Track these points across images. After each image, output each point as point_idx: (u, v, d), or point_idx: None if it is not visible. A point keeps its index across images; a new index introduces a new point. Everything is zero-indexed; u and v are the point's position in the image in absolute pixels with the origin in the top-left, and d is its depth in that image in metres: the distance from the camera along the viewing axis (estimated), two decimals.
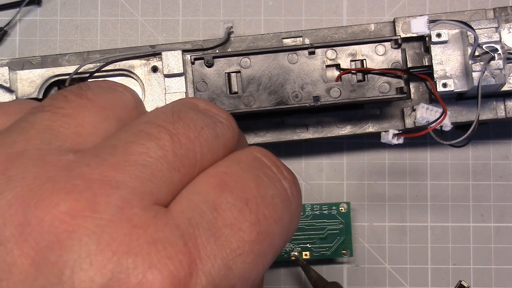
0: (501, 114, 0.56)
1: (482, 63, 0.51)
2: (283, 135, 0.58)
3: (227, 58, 0.54)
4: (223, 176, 0.28)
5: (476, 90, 0.51)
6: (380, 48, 0.54)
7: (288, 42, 0.58)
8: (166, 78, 0.55)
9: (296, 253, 0.59)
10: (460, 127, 0.55)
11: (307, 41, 0.57)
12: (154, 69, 0.56)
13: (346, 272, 0.61)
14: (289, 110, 0.54)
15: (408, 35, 0.56)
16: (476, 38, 0.50)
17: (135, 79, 0.56)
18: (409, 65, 0.56)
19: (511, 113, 0.55)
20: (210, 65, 0.53)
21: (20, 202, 0.24)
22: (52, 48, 0.63)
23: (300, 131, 0.58)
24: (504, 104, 0.56)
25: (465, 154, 0.61)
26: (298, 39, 0.58)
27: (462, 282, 0.60)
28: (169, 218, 0.26)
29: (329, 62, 0.54)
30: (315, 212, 0.59)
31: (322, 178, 0.61)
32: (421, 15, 0.49)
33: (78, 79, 0.56)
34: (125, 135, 0.28)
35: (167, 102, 0.54)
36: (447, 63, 0.53)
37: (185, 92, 0.55)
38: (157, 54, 0.56)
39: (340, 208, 0.59)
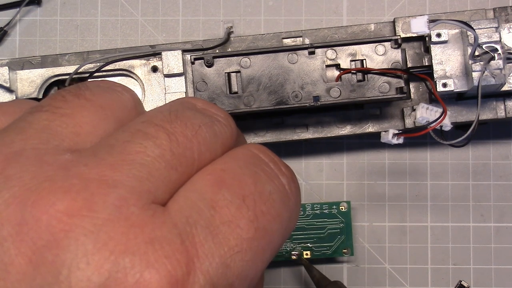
0: (501, 114, 0.55)
1: (482, 63, 0.51)
2: (283, 135, 0.58)
3: (227, 58, 0.53)
4: (220, 173, 0.28)
5: (476, 90, 0.51)
6: (380, 48, 0.54)
7: (288, 42, 0.58)
8: (166, 78, 0.55)
9: (297, 252, 0.59)
10: (460, 127, 0.55)
11: (307, 41, 0.57)
12: (154, 69, 0.56)
13: (346, 272, 0.61)
14: (289, 110, 0.54)
15: (408, 35, 0.56)
16: (476, 38, 0.50)
17: (135, 79, 0.56)
18: (409, 65, 0.56)
19: (511, 113, 0.55)
20: (210, 65, 0.53)
21: (17, 202, 0.24)
22: (52, 48, 0.63)
23: (300, 131, 0.58)
24: (504, 104, 0.56)
25: (465, 154, 0.61)
26: (298, 39, 0.58)
27: (462, 282, 0.60)
28: (167, 217, 0.26)
29: (329, 62, 0.53)
30: (316, 212, 0.59)
31: (322, 178, 0.61)
32: (421, 15, 0.48)
33: (78, 79, 0.56)
34: (123, 135, 0.28)
35: (167, 102, 0.54)
36: (447, 63, 0.53)
37: (185, 92, 0.55)
38: (157, 54, 0.56)
39: (340, 207, 0.59)
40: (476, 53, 0.51)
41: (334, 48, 0.54)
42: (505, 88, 0.53)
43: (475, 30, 0.49)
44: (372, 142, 0.61)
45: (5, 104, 0.32)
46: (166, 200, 0.27)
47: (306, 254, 0.59)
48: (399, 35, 0.55)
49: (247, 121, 0.57)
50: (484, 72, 0.51)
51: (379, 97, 0.53)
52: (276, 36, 0.58)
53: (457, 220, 0.61)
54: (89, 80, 0.56)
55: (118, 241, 0.24)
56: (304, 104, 0.53)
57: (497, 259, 0.60)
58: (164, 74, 0.55)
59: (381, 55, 0.53)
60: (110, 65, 0.56)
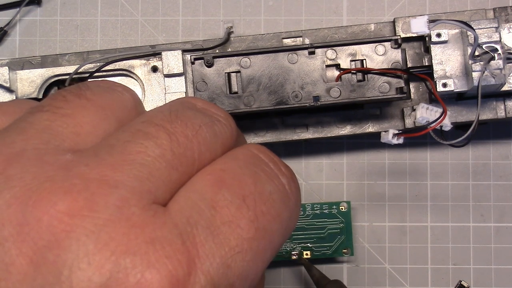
0: (501, 114, 0.56)
1: (482, 63, 0.51)
2: (283, 135, 0.58)
3: (227, 58, 0.54)
4: (220, 173, 0.28)
5: (476, 90, 0.51)
6: (380, 48, 0.54)
7: (288, 42, 0.58)
8: (166, 78, 0.55)
9: (297, 252, 0.59)
10: (460, 127, 0.55)
11: (307, 41, 0.57)
12: (154, 69, 0.56)
13: (346, 272, 0.61)
14: (289, 110, 0.54)
15: (408, 35, 0.56)
16: (476, 38, 0.50)
17: (135, 79, 0.56)
18: (409, 65, 0.56)
19: (511, 113, 0.55)
20: (210, 65, 0.53)
21: (18, 202, 0.24)
22: (52, 48, 0.63)
23: (300, 131, 0.58)
24: (504, 104, 0.56)
25: (465, 154, 0.61)
26: (298, 39, 0.58)
27: (462, 282, 0.60)
28: (168, 217, 0.26)
29: (329, 62, 0.54)
30: (316, 212, 0.59)
31: (322, 178, 0.61)
32: (421, 15, 0.48)
33: (78, 79, 0.56)
34: (123, 135, 0.28)
35: (167, 102, 0.54)
36: (447, 63, 0.53)
37: (185, 92, 0.55)
38: (157, 54, 0.56)
39: (340, 207, 0.59)
40: (476, 53, 0.51)
41: (334, 48, 0.54)
42: (505, 88, 0.53)
43: (475, 30, 0.49)
44: (372, 142, 0.61)
45: (5, 104, 0.32)
46: (167, 200, 0.27)
47: (306, 254, 0.59)
48: (399, 35, 0.55)
49: (247, 121, 0.57)
50: (484, 72, 0.51)
51: (379, 97, 0.53)
52: (276, 36, 0.58)
53: (457, 220, 0.61)
54: (89, 80, 0.56)
55: (119, 241, 0.24)
56: (304, 104, 0.53)
57: (497, 259, 0.60)
58: (164, 74, 0.55)
59: (381, 55, 0.53)
60: (110, 65, 0.56)
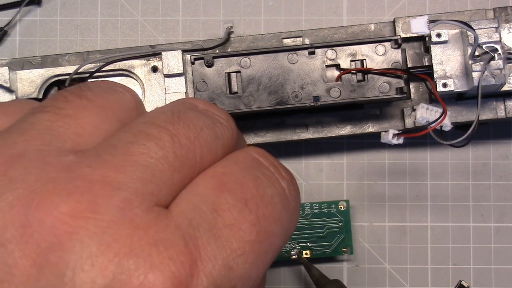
0: (501, 114, 0.56)
1: (482, 63, 0.51)
2: (283, 135, 0.58)
3: (227, 58, 0.54)
4: (222, 177, 0.28)
5: (476, 90, 0.51)
6: (380, 48, 0.54)
7: (288, 42, 0.58)
8: (166, 78, 0.55)
9: (297, 252, 0.59)
10: (460, 127, 0.55)
11: (307, 41, 0.57)
12: (154, 69, 0.56)
13: (346, 272, 0.61)
14: (289, 110, 0.54)
15: (408, 35, 0.56)
16: (476, 38, 0.50)
17: (135, 79, 0.56)
18: (409, 65, 0.56)
19: (511, 113, 0.55)
20: (210, 65, 0.53)
21: (21, 204, 0.24)
22: (52, 48, 0.62)
23: (300, 131, 0.58)
24: (504, 104, 0.56)
25: (465, 154, 0.61)
26: (298, 39, 0.58)
27: (462, 282, 0.60)
28: (170, 219, 0.26)
29: (329, 62, 0.54)
30: (315, 211, 0.59)
31: (322, 178, 0.62)
32: (421, 15, 0.49)
33: (78, 79, 0.56)
34: (125, 135, 0.28)
35: (167, 102, 0.54)
36: (447, 63, 0.53)
37: (185, 92, 0.55)
38: (157, 54, 0.56)
39: (339, 206, 0.59)
40: (476, 53, 0.51)
41: (334, 48, 0.54)
42: (505, 88, 0.53)
43: (475, 30, 0.49)
44: (372, 142, 0.61)
45: (5, 104, 0.32)
46: (169, 202, 0.27)
47: (306, 254, 0.59)
48: (399, 35, 0.55)
49: (247, 121, 0.57)
50: (484, 72, 0.51)
51: (379, 97, 0.53)
52: (276, 36, 0.58)
53: (457, 220, 0.61)
54: (89, 80, 0.56)
55: (123, 243, 0.24)
56: (304, 104, 0.53)
57: (497, 259, 0.60)
58: (164, 74, 0.55)
59: (381, 55, 0.53)
60: (110, 65, 0.56)
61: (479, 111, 0.51)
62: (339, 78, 0.53)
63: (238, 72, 0.53)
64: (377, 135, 0.52)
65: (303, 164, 0.62)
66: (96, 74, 0.56)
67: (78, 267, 0.23)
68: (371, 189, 0.61)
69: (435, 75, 0.53)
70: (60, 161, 0.26)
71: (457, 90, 0.53)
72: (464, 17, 0.56)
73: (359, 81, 0.53)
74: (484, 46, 0.51)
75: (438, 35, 0.53)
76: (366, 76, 0.53)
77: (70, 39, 0.63)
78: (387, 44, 0.54)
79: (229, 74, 0.53)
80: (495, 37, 0.52)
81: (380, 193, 0.61)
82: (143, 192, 0.26)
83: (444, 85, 0.52)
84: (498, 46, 0.51)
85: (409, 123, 0.57)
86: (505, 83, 0.53)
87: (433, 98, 0.56)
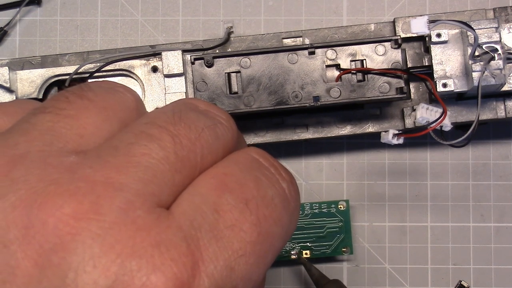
0: (501, 114, 0.56)
1: (482, 63, 0.51)
2: (283, 135, 0.58)
3: (227, 58, 0.54)
4: (223, 177, 0.28)
5: (476, 90, 0.51)
6: (380, 48, 0.54)
7: (288, 42, 0.58)
8: (166, 78, 0.55)
9: (297, 251, 0.59)
10: (460, 127, 0.55)
11: (307, 41, 0.57)
12: (154, 69, 0.56)
13: (346, 272, 0.61)
14: (289, 110, 0.54)
15: (408, 35, 0.56)
16: (476, 38, 0.50)
17: (135, 79, 0.56)
18: (409, 65, 0.56)
19: (511, 113, 0.56)
20: (210, 65, 0.53)
21: (23, 205, 0.24)
22: (52, 48, 0.62)
23: (300, 131, 0.58)
24: (504, 104, 0.56)
25: (465, 154, 0.61)
26: (298, 39, 0.58)
27: (462, 282, 0.60)
28: (172, 220, 0.26)
29: (329, 62, 0.54)
30: (314, 211, 0.59)
31: (322, 178, 0.62)
32: (421, 15, 0.49)
33: (78, 79, 0.56)
34: (126, 136, 0.28)
35: (167, 102, 0.54)
36: (447, 63, 0.53)
37: (185, 92, 0.55)
38: (157, 54, 0.56)
39: (339, 206, 0.59)
40: (476, 53, 0.51)
41: (334, 48, 0.54)
42: (505, 88, 0.53)
43: (475, 30, 0.49)
44: (372, 142, 0.61)
45: (6, 104, 0.32)
46: (170, 203, 0.27)
47: (306, 254, 0.59)
48: (399, 35, 0.55)
49: (247, 121, 0.57)
50: (484, 72, 0.51)
51: (379, 97, 0.53)
52: (276, 36, 0.58)
53: (457, 220, 0.61)
54: (89, 80, 0.56)
55: (125, 244, 0.24)
56: (304, 104, 0.53)
57: (497, 259, 0.60)
58: (164, 74, 0.55)
59: (381, 55, 0.53)
60: (110, 65, 0.56)
61: (479, 111, 0.51)
62: (339, 78, 0.53)
63: (238, 72, 0.53)
64: (377, 135, 0.52)
65: (303, 164, 0.62)
66: (96, 74, 0.56)
67: (80, 268, 0.23)
68: (371, 189, 0.61)
69: (435, 75, 0.53)
70: (62, 162, 0.26)
71: (457, 90, 0.53)
72: (464, 17, 0.56)
73: (359, 81, 0.53)
74: (484, 46, 0.51)
75: (438, 35, 0.53)
76: (366, 76, 0.53)
77: (70, 39, 0.63)
78: (387, 44, 0.54)
79: (229, 74, 0.53)
80: (495, 37, 0.52)
81: (380, 193, 0.61)
82: (145, 193, 0.26)
83: (444, 85, 0.53)
84: (498, 46, 0.51)
85: (409, 123, 0.57)
86: (505, 83, 0.53)
87: (433, 98, 0.56)
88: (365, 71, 0.53)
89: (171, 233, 0.25)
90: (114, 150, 0.27)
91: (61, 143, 0.27)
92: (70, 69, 0.56)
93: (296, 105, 0.53)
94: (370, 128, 0.57)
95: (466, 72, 0.53)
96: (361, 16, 0.62)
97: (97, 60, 0.56)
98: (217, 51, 0.57)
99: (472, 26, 0.49)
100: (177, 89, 0.55)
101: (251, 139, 0.57)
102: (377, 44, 0.54)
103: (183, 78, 0.55)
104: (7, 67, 0.55)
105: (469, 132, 0.50)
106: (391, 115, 0.57)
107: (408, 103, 0.57)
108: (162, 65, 0.55)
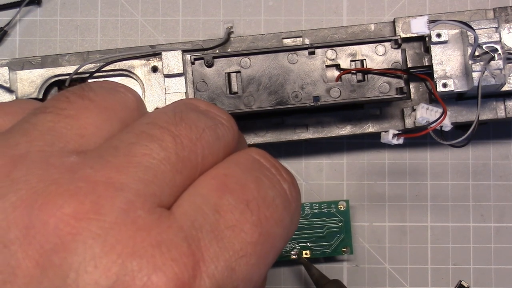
0: (501, 114, 0.56)
1: (482, 63, 0.51)
2: (283, 135, 0.58)
3: (227, 58, 0.53)
4: (224, 178, 0.29)
5: (476, 90, 0.51)
6: (380, 48, 0.54)
7: (288, 42, 0.58)
8: (166, 78, 0.55)
9: (297, 251, 0.59)
10: (460, 127, 0.55)
11: (307, 41, 0.57)
12: (154, 69, 0.56)
13: (346, 272, 0.61)
14: (289, 110, 0.54)
15: (408, 35, 0.56)
16: (476, 38, 0.50)
17: (135, 79, 0.56)
18: (409, 65, 0.56)
19: (511, 113, 0.56)
20: (210, 65, 0.53)
21: (24, 205, 0.24)
22: (52, 48, 0.62)
23: (300, 131, 0.58)
24: (504, 104, 0.56)
25: (465, 154, 0.61)
26: (298, 39, 0.58)
27: (462, 282, 0.60)
28: (172, 220, 0.26)
29: (329, 62, 0.54)
30: (314, 211, 0.59)
31: (322, 178, 0.62)
32: (421, 15, 0.49)
33: (78, 79, 0.56)
34: (127, 136, 0.28)
35: (167, 102, 0.54)
36: (447, 63, 0.53)
37: (185, 92, 0.55)
38: (157, 54, 0.56)
39: (339, 206, 0.59)
40: (476, 53, 0.51)
41: (334, 48, 0.54)
42: (505, 88, 0.53)
43: (475, 30, 0.49)
44: (372, 142, 0.61)
45: (6, 104, 0.32)
46: (171, 203, 0.27)
47: (306, 254, 0.59)
48: (399, 35, 0.55)
49: (247, 121, 0.57)
50: (484, 72, 0.51)
51: (379, 97, 0.53)
52: (276, 36, 0.58)
53: (457, 220, 0.61)
54: (89, 80, 0.56)
55: (126, 244, 0.24)
56: (304, 104, 0.53)
57: (497, 259, 0.60)
58: (164, 74, 0.55)
59: (381, 55, 0.53)
60: (110, 65, 0.56)
61: (479, 111, 0.51)
62: (339, 78, 0.53)
63: (238, 72, 0.53)
64: (377, 135, 0.52)
65: (303, 164, 0.62)
66: (96, 74, 0.56)
67: (81, 269, 0.23)
68: (371, 189, 0.61)
69: (435, 75, 0.53)
70: (62, 162, 0.26)
71: (457, 90, 0.53)
72: (464, 17, 0.56)
73: (359, 81, 0.53)
74: (484, 46, 0.51)
75: (438, 35, 0.53)
76: (366, 76, 0.53)
77: (70, 39, 0.63)
78: (387, 44, 0.54)
79: (229, 74, 0.53)
80: (495, 37, 0.52)
81: (380, 193, 0.61)
82: (146, 193, 0.26)
83: (444, 85, 0.53)
84: (498, 46, 0.51)
85: (409, 123, 0.57)
86: (505, 83, 0.53)
87: (433, 98, 0.56)
88: (365, 71, 0.53)
89: (172, 233, 0.25)
90: (115, 150, 0.27)
91: (61, 143, 0.27)
92: (70, 69, 0.56)
93: (296, 105, 0.53)
94: (370, 128, 0.57)
95: (466, 72, 0.53)
96: (361, 16, 0.62)
97: (97, 60, 0.56)
98: (217, 51, 0.57)
99: (472, 26, 0.49)
100: (177, 89, 0.55)
101: (251, 139, 0.57)
102: (377, 44, 0.54)
103: (183, 78, 0.55)
104: (7, 67, 0.55)
105: (469, 132, 0.50)
106: (391, 115, 0.57)
107: (408, 103, 0.57)
108: (162, 65, 0.55)
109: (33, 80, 0.56)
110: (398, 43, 0.53)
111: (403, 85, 0.53)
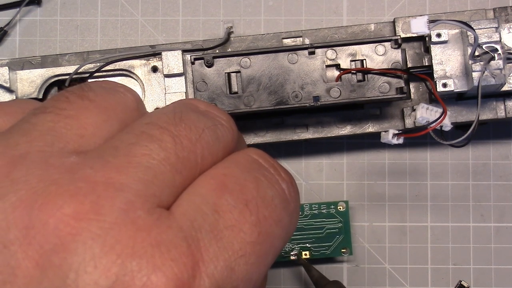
0: (501, 114, 0.56)
1: (482, 63, 0.51)
2: (283, 135, 0.58)
3: (227, 58, 0.53)
4: (223, 178, 0.29)
5: (476, 90, 0.51)
6: (380, 48, 0.54)
7: (288, 42, 0.58)
8: (166, 78, 0.55)
9: (296, 252, 0.59)
10: (460, 127, 0.55)
11: (307, 41, 0.57)
12: (154, 69, 0.56)
13: (346, 272, 0.61)
14: (289, 110, 0.54)
15: (408, 35, 0.56)
16: (476, 38, 0.50)
17: (135, 79, 0.56)
18: (409, 65, 0.56)
19: (511, 113, 0.56)
20: (210, 65, 0.53)
21: (24, 205, 0.24)
22: (52, 48, 0.62)
23: (300, 131, 0.58)
24: (504, 104, 0.56)
25: (465, 154, 0.61)
26: (298, 39, 0.58)
27: (462, 282, 0.60)
28: (172, 220, 0.26)
29: (329, 62, 0.54)
30: (314, 212, 0.59)
31: (322, 178, 0.62)
32: (421, 15, 0.49)
33: (78, 79, 0.56)
34: (127, 136, 0.28)
35: (167, 102, 0.55)
36: (447, 63, 0.53)
37: (185, 92, 0.55)
38: (157, 54, 0.56)
39: (338, 207, 0.59)
40: (476, 53, 0.51)
41: (334, 48, 0.54)
42: (505, 88, 0.53)
43: (475, 30, 0.49)
44: (372, 142, 0.61)
45: (6, 104, 0.32)
46: (170, 204, 0.27)
47: (305, 254, 0.59)
48: (399, 35, 0.55)
49: (247, 121, 0.57)
50: (484, 72, 0.51)
51: (379, 97, 0.53)
52: (276, 36, 0.58)
53: (457, 220, 0.61)
54: (89, 80, 0.56)
55: (125, 244, 0.24)
56: (304, 104, 0.53)
57: (497, 259, 0.60)
58: (164, 74, 0.55)
59: (381, 55, 0.53)
60: (110, 65, 0.56)
61: (479, 111, 0.51)
62: (339, 78, 0.53)
63: (238, 72, 0.53)
64: (377, 135, 0.52)
65: (303, 164, 0.62)
66: (96, 74, 0.56)
67: (81, 269, 0.23)
68: (371, 189, 0.61)
69: (435, 75, 0.53)
70: (62, 162, 0.26)
71: (457, 90, 0.53)
72: (464, 17, 0.56)
73: (359, 81, 0.53)
74: (484, 46, 0.51)
75: (438, 35, 0.53)
76: (366, 76, 0.53)
77: (70, 39, 0.63)
78: (387, 44, 0.54)
79: (229, 74, 0.53)
80: (495, 37, 0.52)
81: (380, 193, 0.61)
82: (145, 193, 0.26)
83: (444, 85, 0.53)
84: (498, 46, 0.51)
85: (409, 123, 0.57)
86: (505, 83, 0.53)
87: (433, 98, 0.56)
88: (365, 71, 0.53)
89: (172, 233, 0.25)
90: (115, 150, 0.27)
91: (61, 143, 0.27)
92: (70, 69, 0.56)
93: (296, 105, 0.53)
94: (370, 128, 0.57)
95: (466, 72, 0.53)
96: (361, 16, 0.62)
97: (97, 60, 0.56)
98: (217, 51, 0.57)
99: (472, 26, 0.49)
100: (177, 89, 0.55)
101: (251, 139, 0.57)
102: (377, 44, 0.54)
103: (183, 78, 0.55)
104: (7, 67, 0.55)
105: (469, 132, 0.50)
106: (391, 115, 0.57)
107: (408, 103, 0.57)
108: (162, 65, 0.55)
109: (33, 80, 0.56)
110: (398, 43, 0.53)
111: (403, 85, 0.53)
